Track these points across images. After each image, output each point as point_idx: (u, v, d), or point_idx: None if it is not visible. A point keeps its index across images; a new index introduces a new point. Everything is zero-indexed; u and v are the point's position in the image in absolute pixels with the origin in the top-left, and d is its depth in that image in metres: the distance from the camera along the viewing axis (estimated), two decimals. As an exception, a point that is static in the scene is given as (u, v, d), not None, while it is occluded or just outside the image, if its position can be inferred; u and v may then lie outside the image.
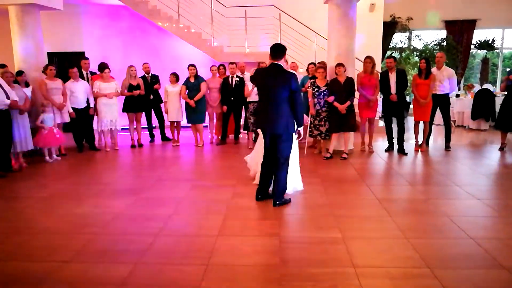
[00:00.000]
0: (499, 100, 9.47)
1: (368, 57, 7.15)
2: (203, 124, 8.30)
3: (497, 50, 12.75)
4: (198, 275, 2.98)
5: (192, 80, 7.99)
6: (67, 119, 7.41)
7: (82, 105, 7.56)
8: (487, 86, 10.67)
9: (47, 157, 6.91)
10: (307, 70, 7.97)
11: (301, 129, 4.58)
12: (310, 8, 9.95)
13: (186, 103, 7.99)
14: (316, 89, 6.77)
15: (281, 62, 4.42)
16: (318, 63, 7.60)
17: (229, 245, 3.51)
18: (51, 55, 10.02)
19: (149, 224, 4.02)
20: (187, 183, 5.56)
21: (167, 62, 10.23)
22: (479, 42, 12.38)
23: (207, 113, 8.31)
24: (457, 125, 10.41)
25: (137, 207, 4.55)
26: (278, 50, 4.39)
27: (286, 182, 4.55)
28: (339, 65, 6.70)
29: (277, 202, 4.46)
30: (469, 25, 12.29)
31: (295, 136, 4.61)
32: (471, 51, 12.64)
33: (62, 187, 5.46)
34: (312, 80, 6.97)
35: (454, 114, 10.38)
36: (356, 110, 7.13)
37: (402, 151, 7.13)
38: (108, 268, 3.13)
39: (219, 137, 8.55)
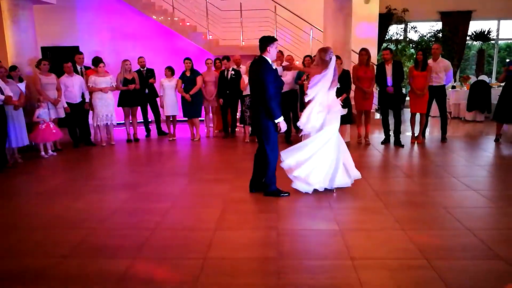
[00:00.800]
0: (494, 92, 9.52)
1: (363, 49, 7.13)
2: (199, 118, 8.28)
3: (493, 42, 12.77)
4: (196, 269, 2.98)
5: (188, 74, 7.96)
6: (62, 114, 7.36)
7: (77, 100, 7.51)
8: (483, 77, 10.69)
9: (43, 153, 6.87)
10: (303, 62, 7.94)
11: (279, 121, 4.34)
12: (305, 0, 9.90)
13: (182, 97, 7.96)
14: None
15: (265, 54, 4.35)
16: (314, 56, 7.57)
17: (226, 238, 3.51)
18: (44, 50, 9.93)
19: (147, 218, 4.01)
20: (184, 177, 5.56)
21: (162, 56, 10.17)
22: (474, 34, 12.38)
23: (203, 107, 8.29)
24: (453, 117, 10.43)
25: (135, 202, 4.54)
26: (260, 43, 4.40)
27: (273, 174, 4.53)
28: (336, 57, 6.67)
29: (266, 191, 4.57)
30: (465, 16, 12.27)
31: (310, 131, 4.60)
32: (466, 42, 12.64)
33: (58, 183, 5.44)
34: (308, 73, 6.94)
35: (450, 106, 10.39)
36: (352, 102, 7.12)
37: (398, 143, 7.14)
38: (106, 263, 3.12)
39: (217, 131, 8.54)
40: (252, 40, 9.86)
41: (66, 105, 7.34)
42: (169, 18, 9.83)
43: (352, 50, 7.56)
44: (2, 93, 5.86)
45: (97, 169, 6.27)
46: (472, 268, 2.93)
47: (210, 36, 10.09)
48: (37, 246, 3.46)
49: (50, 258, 3.21)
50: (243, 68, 8.17)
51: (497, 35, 12.71)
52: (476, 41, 12.62)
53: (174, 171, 5.98)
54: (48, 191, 5.06)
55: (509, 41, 13.98)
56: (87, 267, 3.07)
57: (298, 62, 8.94)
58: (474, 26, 12.41)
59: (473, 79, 10.69)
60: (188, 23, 10.08)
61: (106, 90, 7.56)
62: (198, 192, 4.94)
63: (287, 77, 7.20)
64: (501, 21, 12.65)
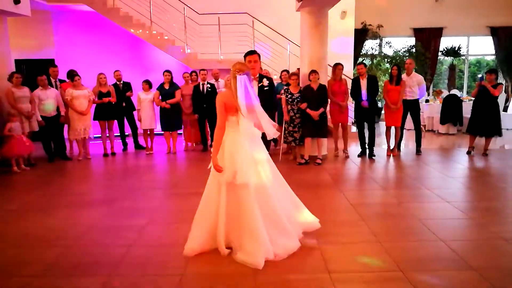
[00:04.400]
0: (466, 105, 9.84)
1: (337, 63, 7.29)
2: (178, 131, 8.25)
3: (463, 57, 13.23)
4: (174, 285, 2.94)
5: (166, 86, 7.94)
6: (36, 128, 7.21)
7: (52, 113, 7.38)
8: (454, 91, 11.04)
9: (15, 168, 6.69)
10: (280, 77, 8.06)
11: None
12: (282, 15, 10.06)
13: (161, 110, 7.91)
14: (289, 96, 6.83)
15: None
16: (297, 69, 7.75)
17: (204, 254, 3.47)
18: (18, 63, 9.75)
19: (123, 234, 3.94)
20: (161, 191, 5.50)
21: (140, 70, 10.12)
22: (446, 49, 12.82)
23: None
24: (427, 130, 10.70)
25: (111, 218, 4.47)
26: None
27: None
28: (313, 72, 6.79)
29: None
30: (436, 32, 12.71)
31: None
32: (438, 57, 13.06)
33: (32, 199, 5.30)
34: (285, 87, 7.04)
35: (424, 119, 10.66)
36: (328, 116, 7.23)
37: (372, 155, 7.29)
38: (81, 282, 3.05)
39: (194, 144, 8.51)
40: (231, 54, 9.94)
41: (40, 119, 7.20)
42: (147, 32, 9.81)
43: (329, 65, 7.70)
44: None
45: (72, 184, 6.14)
46: (445, 279, 2.99)
47: (188, 50, 10.11)
48: (9, 265, 3.35)
49: (23, 278, 3.11)
50: (222, 82, 8.20)
51: (467, 51, 13.19)
52: (447, 57, 13.06)
53: (152, 185, 5.91)
54: (21, 207, 4.92)
55: (478, 57, 14.52)
56: (62, 286, 2.99)
57: (276, 76, 9.04)
58: (445, 42, 12.86)
59: (445, 93, 11.02)
60: (166, 37, 10.08)
61: (85, 112, 7.48)
62: (176, 206, 4.89)
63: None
64: (470, 38, 13.15)
